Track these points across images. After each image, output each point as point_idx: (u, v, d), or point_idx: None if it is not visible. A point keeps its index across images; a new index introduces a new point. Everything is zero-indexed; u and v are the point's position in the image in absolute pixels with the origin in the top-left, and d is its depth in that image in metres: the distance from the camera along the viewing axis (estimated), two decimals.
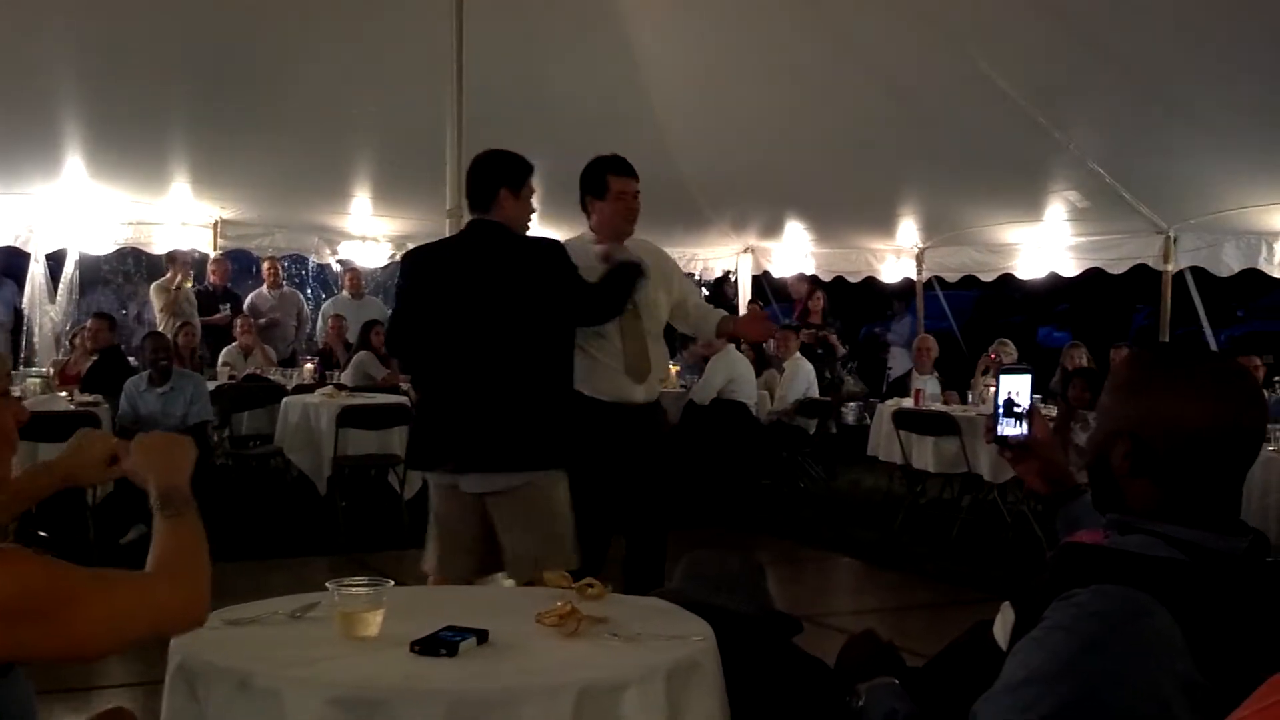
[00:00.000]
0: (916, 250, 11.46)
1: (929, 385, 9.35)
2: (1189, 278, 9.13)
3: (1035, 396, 2.21)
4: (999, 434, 2.16)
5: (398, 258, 12.03)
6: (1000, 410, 2.15)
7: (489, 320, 3.94)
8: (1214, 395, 1.72)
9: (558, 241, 4.26)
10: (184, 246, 10.83)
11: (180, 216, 10.73)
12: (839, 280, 12.23)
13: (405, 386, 9.16)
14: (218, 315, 10.84)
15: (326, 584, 2.23)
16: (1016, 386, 2.15)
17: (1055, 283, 10.91)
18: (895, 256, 11.78)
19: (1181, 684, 1.59)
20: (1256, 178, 7.93)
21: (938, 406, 8.68)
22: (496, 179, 4.06)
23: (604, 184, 4.61)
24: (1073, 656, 1.60)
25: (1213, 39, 6.68)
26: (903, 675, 2.05)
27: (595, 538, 4.36)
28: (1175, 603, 1.61)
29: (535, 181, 4.18)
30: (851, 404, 11.01)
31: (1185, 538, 1.70)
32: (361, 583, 2.20)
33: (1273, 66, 6.63)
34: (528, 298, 3.97)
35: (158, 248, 10.96)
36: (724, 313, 5.25)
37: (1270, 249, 8.54)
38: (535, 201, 4.20)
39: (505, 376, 3.94)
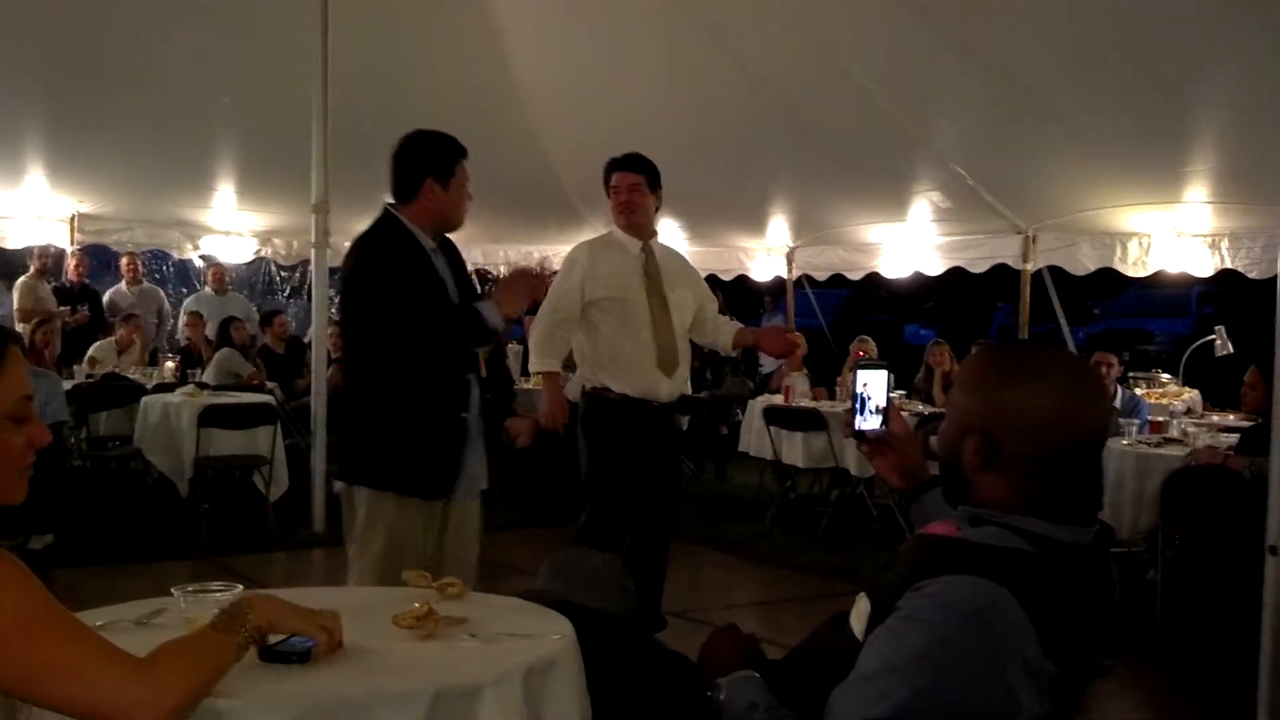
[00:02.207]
0: (787, 249, 11.60)
1: (799, 382, 9.47)
2: (1047, 277, 9.37)
3: (900, 393, 2.24)
4: (856, 429, 2.19)
5: (263, 253, 11.79)
6: (858, 405, 2.18)
7: (344, 334, 3.97)
8: (1059, 391, 1.77)
9: (382, 244, 3.71)
10: (40, 241, 10.46)
11: (36, 210, 10.38)
12: (712, 278, 12.31)
13: (271, 386, 8.98)
14: (77, 314, 10.48)
15: (172, 589, 2.16)
16: (874, 382, 2.18)
17: (920, 282, 11.13)
18: (766, 255, 11.92)
19: (1029, 670, 1.64)
20: (1111, 180, 8.18)
21: (807, 403, 8.80)
22: (421, 168, 3.70)
23: (606, 179, 4.68)
24: (924, 646, 1.64)
25: (1070, 46, 6.87)
26: (764, 668, 2.07)
27: (612, 540, 4.27)
28: (1023, 592, 1.66)
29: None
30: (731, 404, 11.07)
31: (1035, 530, 1.74)
32: (209, 587, 2.13)
33: (1127, 72, 6.85)
34: (348, 306, 3.82)
35: (12, 242, 10.58)
36: (739, 324, 5.21)
37: (1124, 249, 8.80)
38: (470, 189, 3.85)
39: (347, 382, 3.88)
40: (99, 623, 2.23)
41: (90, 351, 9.71)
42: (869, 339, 9.69)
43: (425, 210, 3.71)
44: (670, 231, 11.87)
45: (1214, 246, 8.49)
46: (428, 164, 3.71)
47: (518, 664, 2.05)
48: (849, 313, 19.20)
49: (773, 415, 8.47)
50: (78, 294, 10.66)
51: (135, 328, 10.04)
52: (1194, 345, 9.10)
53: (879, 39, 7.47)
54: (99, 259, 12.39)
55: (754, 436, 8.84)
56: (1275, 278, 3.73)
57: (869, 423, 2.17)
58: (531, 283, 3.85)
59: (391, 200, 3.77)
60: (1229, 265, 8.45)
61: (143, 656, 1.69)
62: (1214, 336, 8.71)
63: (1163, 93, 6.89)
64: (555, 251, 11.67)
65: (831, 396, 9.21)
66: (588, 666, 2.25)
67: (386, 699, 1.89)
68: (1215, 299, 20.02)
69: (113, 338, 10.00)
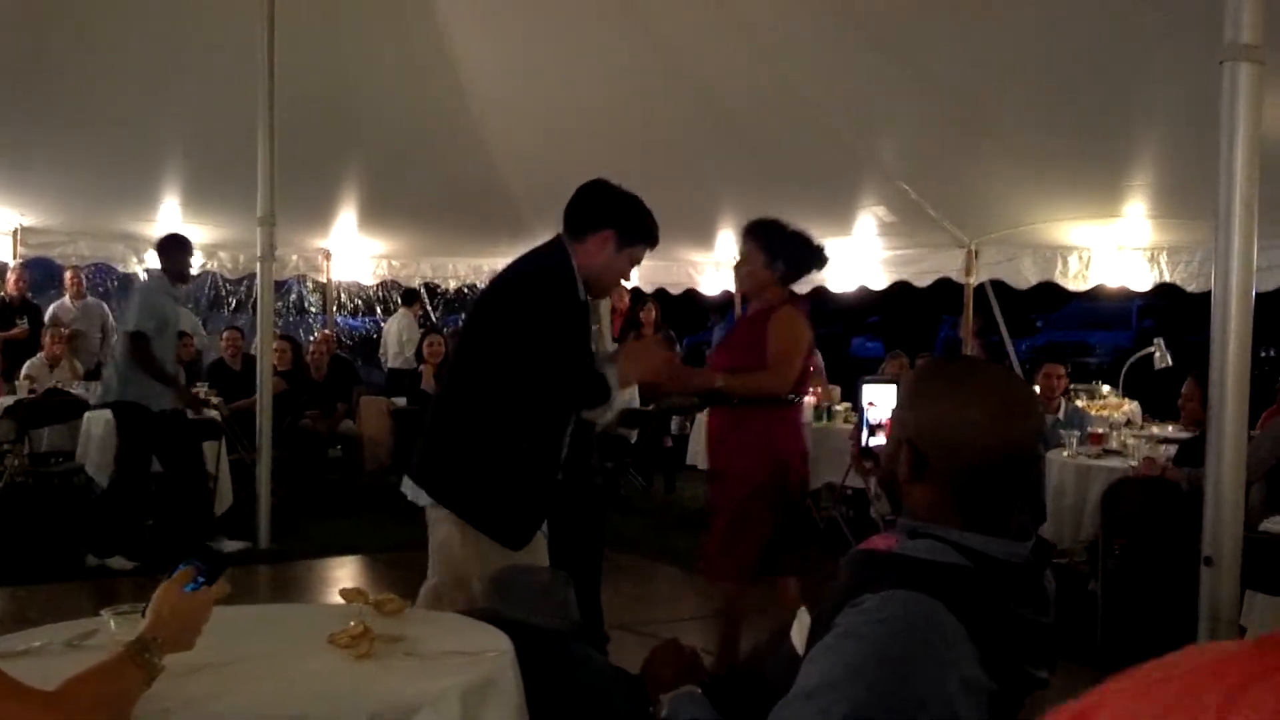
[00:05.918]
0: (734, 262, 11.62)
1: None
2: (989, 290, 9.46)
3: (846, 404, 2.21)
4: (865, 446, 2.16)
5: (209, 266, 11.68)
6: (865, 422, 2.14)
7: (465, 336, 3.77)
8: (979, 407, 1.79)
9: (550, 286, 3.53)
10: None
11: None
12: (660, 291, 12.36)
13: (216, 401, 8.88)
14: (15, 329, 10.32)
15: (101, 611, 2.13)
16: (880, 398, 2.14)
17: (866, 295, 11.20)
18: (714, 269, 11.96)
19: (967, 685, 1.64)
20: (1051, 195, 8.28)
21: None
22: (610, 217, 3.57)
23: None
24: (861, 662, 1.63)
25: (1012, 63, 6.95)
26: (705, 683, 2.07)
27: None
28: (960, 607, 1.66)
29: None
30: (675, 417, 11.09)
31: (969, 544, 1.75)
32: (139, 608, 2.11)
33: (1067, 91, 6.95)
34: (491, 332, 3.58)
35: None
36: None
37: (1065, 263, 8.91)
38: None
39: (451, 395, 3.66)
40: (34, 644, 2.21)
41: (24, 369, 9.57)
42: (817, 351, 9.73)
43: (589, 255, 3.57)
44: None
45: (1153, 260, 8.60)
46: (618, 219, 3.60)
47: (455, 683, 2.04)
48: None
49: None
50: (17, 309, 10.51)
51: (56, 340, 9.87)
52: (1134, 358, 9.20)
53: (827, 57, 7.52)
54: (42, 273, 12.23)
55: (702, 449, 8.84)
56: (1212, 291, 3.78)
57: (876, 439, 2.13)
58: (658, 360, 3.76)
59: (566, 232, 3.63)
60: (1168, 279, 8.55)
61: (56, 690, 1.67)
62: (1153, 349, 8.81)
63: (1101, 110, 6.98)
64: (506, 264, 11.67)
65: None
66: (529, 683, 2.24)
67: None
68: (1155, 312, 20.26)
69: (42, 353, 9.86)
